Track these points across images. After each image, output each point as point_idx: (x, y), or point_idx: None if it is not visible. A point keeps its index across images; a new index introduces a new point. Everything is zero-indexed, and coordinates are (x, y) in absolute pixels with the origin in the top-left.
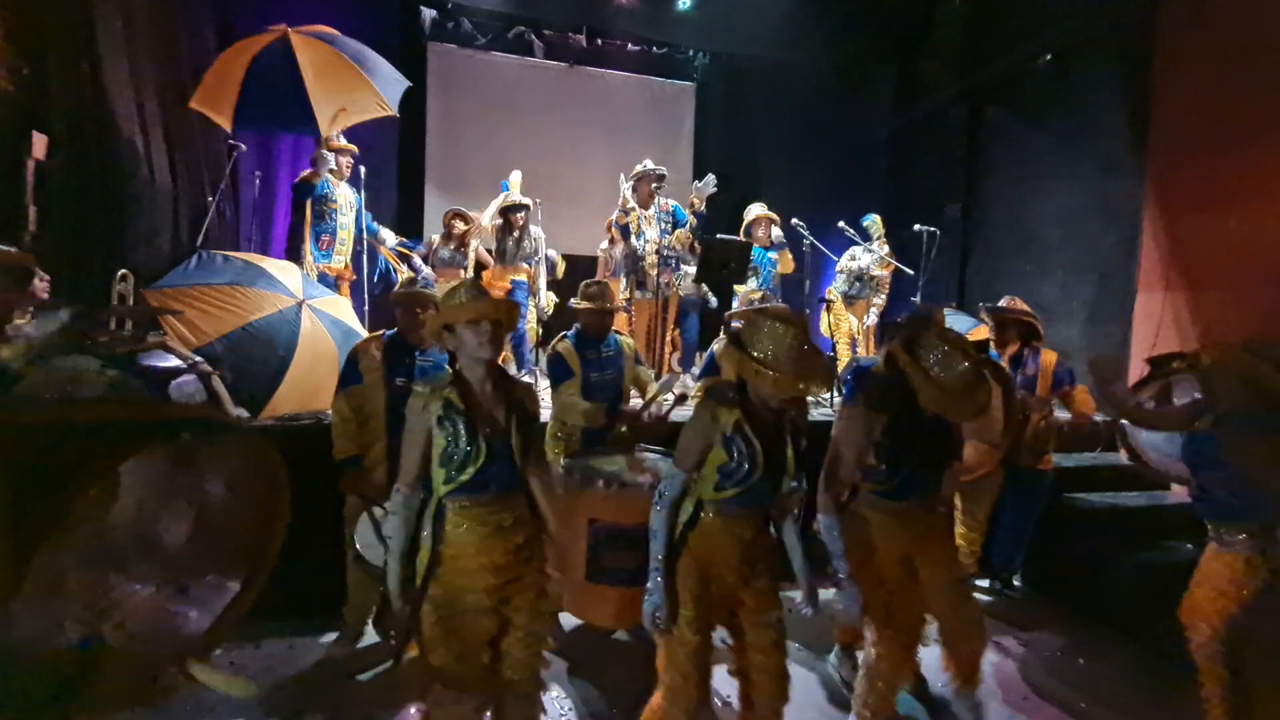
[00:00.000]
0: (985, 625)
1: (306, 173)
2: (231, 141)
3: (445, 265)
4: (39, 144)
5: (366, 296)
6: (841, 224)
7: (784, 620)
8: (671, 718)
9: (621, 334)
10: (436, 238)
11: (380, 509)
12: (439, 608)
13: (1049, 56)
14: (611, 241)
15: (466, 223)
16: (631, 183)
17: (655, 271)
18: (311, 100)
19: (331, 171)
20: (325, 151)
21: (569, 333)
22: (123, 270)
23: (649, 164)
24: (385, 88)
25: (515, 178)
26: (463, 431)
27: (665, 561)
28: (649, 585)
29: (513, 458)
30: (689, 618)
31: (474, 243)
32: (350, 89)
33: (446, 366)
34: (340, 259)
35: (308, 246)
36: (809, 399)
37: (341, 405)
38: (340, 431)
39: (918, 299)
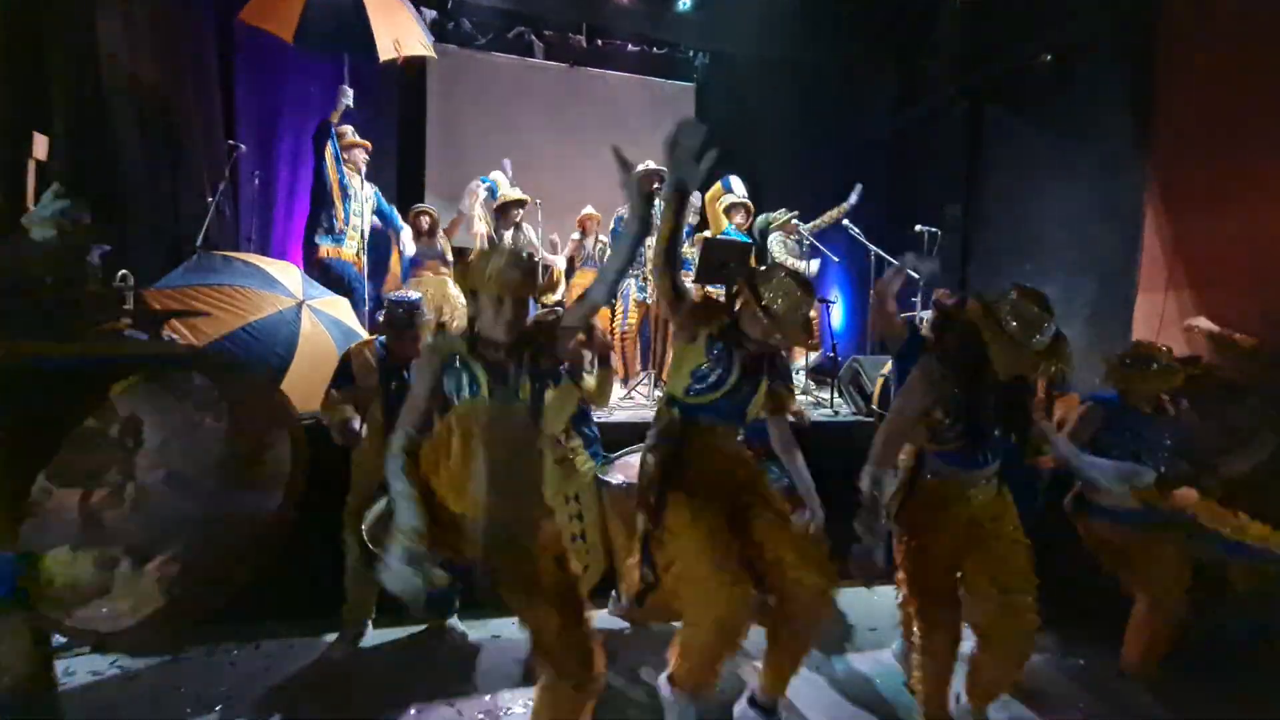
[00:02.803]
0: (1033, 626)
1: (326, 116)
2: (231, 142)
3: (426, 258)
4: (39, 144)
5: (366, 298)
6: (845, 222)
7: (821, 542)
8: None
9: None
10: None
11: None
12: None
13: (1049, 56)
14: (584, 233)
15: (432, 217)
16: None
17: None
18: (372, 23)
19: (348, 163)
20: (346, 87)
21: None
22: (123, 271)
23: (650, 164)
24: (424, 33)
25: (500, 175)
26: (466, 384)
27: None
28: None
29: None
30: (692, 507)
31: (443, 241)
32: (402, 22)
33: None
34: (353, 245)
35: (338, 197)
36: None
37: (334, 403)
38: (335, 405)
39: (918, 299)
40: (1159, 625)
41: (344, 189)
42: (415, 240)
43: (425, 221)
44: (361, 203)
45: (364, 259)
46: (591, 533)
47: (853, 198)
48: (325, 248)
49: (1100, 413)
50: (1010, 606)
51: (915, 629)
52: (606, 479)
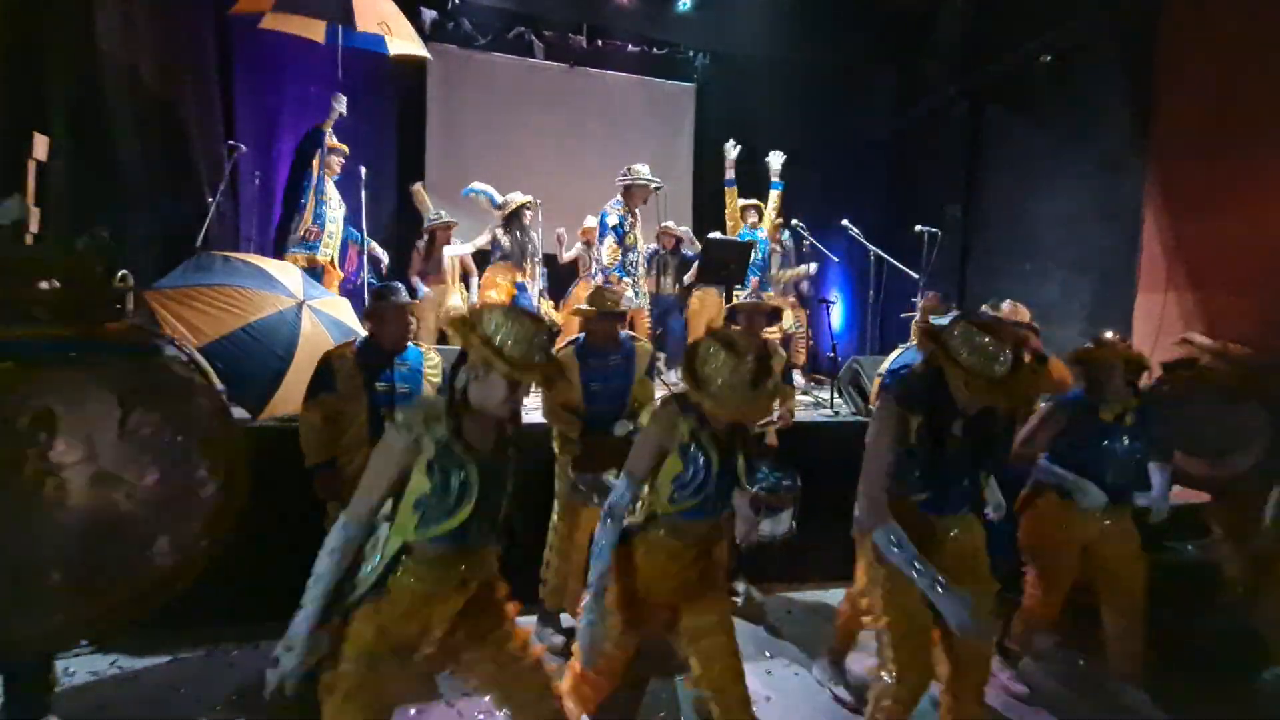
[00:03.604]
0: (991, 659)
1: (318, 124)
2: (231, 142)
3: (430, 274)
4: (40, 144)
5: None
6: (845, 222)
7: (731, 628)
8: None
9: (640, 340)
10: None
11: None
12: (365, 653)
13: (1049, 56)
14: (588, 244)
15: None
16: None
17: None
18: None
19: (328, 169)
20: (340, 95)
21: (576, 338)
22: (122, 271)
23: (646, 172)
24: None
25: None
26: (454, 481)
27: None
28: (587, 605)
29: (498, 513)
30: (615, 626)
31: (448, 250)
32: (393, 13)
33: (423, 380)
34: (327, 253)
35: (310, 206)
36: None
37: (313, 415)
38: (311, 439)
39: (918, 300)
40: (1129, 630)
41: (320, 196)
42: (420, 261)
43: (441, 239)
44: (335, 209)
45: (336, 266)
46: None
47: (812, 267)
48: (299, 255)
49: (1063, 415)
50: (972, 654)
51: (884, 663)
52: (583, 486)
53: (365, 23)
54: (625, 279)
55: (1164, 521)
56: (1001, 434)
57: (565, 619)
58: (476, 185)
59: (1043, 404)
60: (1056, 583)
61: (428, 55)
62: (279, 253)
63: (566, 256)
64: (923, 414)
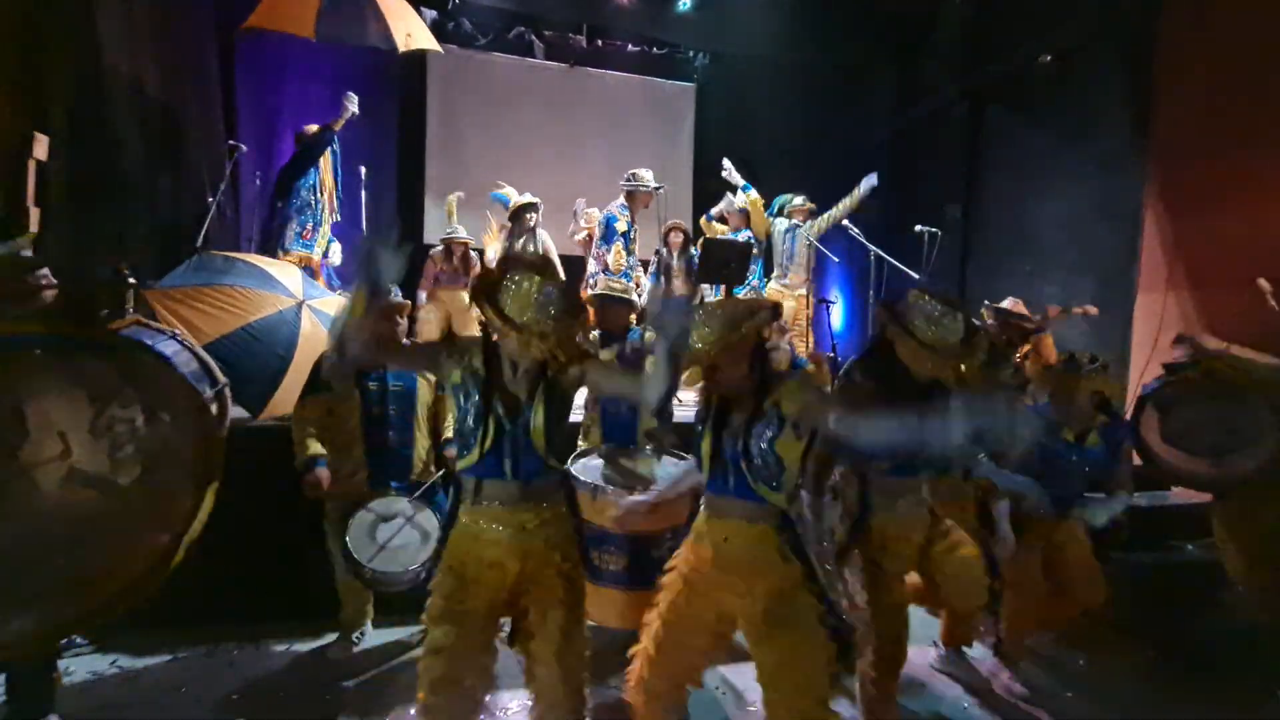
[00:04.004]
0: (984, 585)
1: (329, 123)
2: (232, 142)
3: (448, 281)
4: (40, 144)
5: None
6: (845, 222)
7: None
8: None
9: (650, 331)
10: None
11: (366, 511)
12: (448, 580)
13: (1049, 56)
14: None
15: (467, 249)
16: (626, 190)
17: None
18: (385, 16)
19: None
20: (352, 94)
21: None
22: (124, 271)
23: (649, 178)
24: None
25: (510, 190)
26: (473, 406)
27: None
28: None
29: (535, 444)
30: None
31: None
32: (410, 16)
33: (417, 378)
34: (319, 250)
35: (313, 203)
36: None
37: (307, 412)
38: (303, 437)
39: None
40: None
41: (317, 194)
42: (442, 263)
43: (458, 251)
44: (328, 209)
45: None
46: None
47: (864, 185)
48: (298, 254)
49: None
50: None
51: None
52: (578, 475)
53: (401, 40)
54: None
55: (1164, 522)
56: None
57: None
58: (498, 189)
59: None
60: (1026, 585)
61: (439, 48)
62: (271, 249)
63: (578, 238)
64: (881, 383)
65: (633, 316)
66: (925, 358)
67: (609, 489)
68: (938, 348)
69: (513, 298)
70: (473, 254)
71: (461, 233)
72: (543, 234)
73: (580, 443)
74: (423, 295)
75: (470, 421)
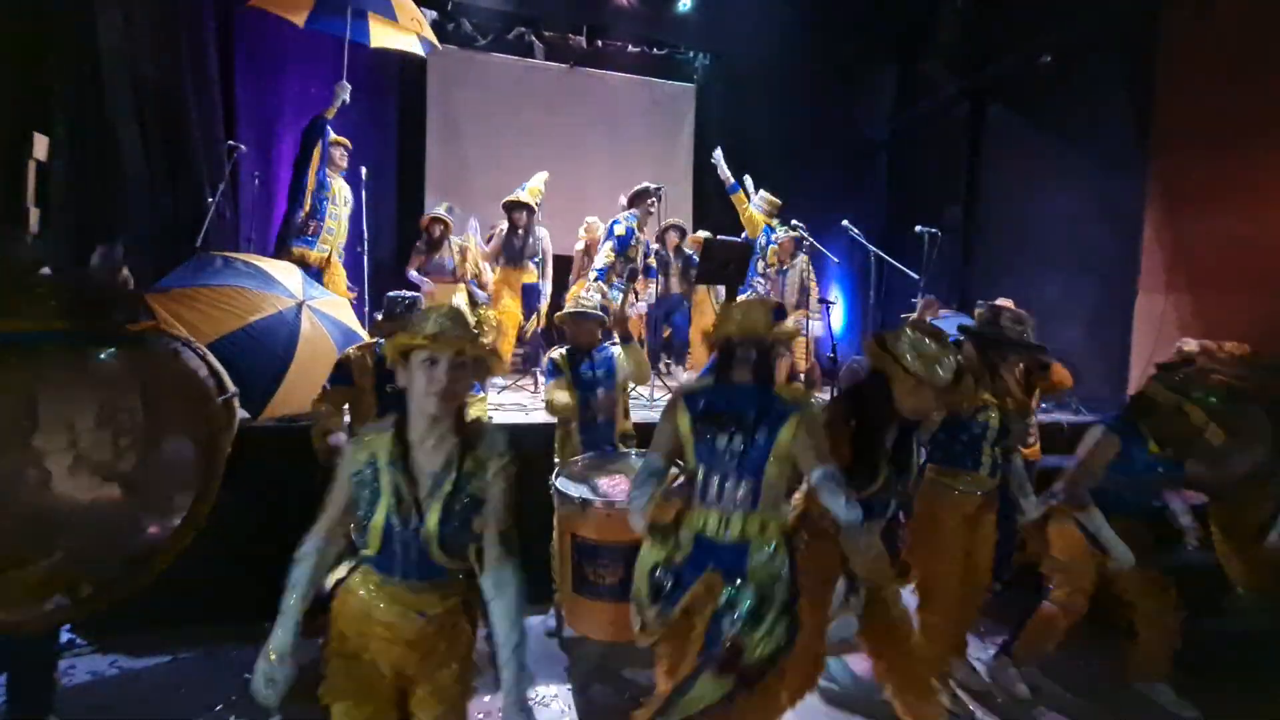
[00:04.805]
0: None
1: (321, 112)
2: (232, 143)
3: (432, 272)
4: (40, 145)
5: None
6: (845, 223)
7: None
8: None
9: (618, 346)
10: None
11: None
12: (342, 646)
13: (1050, 56)
14: (587, 245)
15: (445, 226)
16: (629, 197)
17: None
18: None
19: (330, 164)
20: (345, 82)
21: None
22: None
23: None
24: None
25: (536, 180)
26: (368, 496)
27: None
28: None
29: (426, 545)
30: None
31: (471, 251)
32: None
33: None
34: (325, 248)
35: (310, 197)
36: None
37: (331, 398)
38: (321, 421)
39: (919, 300)
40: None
41: (322, 188)
42: (423, 253)
43: (437, 230)
44: (339, 205)
45: (340, 261)
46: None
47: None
48: (297, 250)
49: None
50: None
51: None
52: (564, 490)
53: (404, 19)
54: (616, 292)
55: (1163, 522)
56: (913, 437)
57: None
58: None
59: (1094, 431)
60: (1081, 586)
61: (421, 52)
62: (281, 246)
63: (578, 249)
64: (865, 414)
65: (600, 332)
66: (922, 394)
67: (597, 500)
68: (935, 383)
69: None
70: (464, 247)
71: (440, 211)
72: (542, 232)
73: (556, 455)
74: (412, 273)
75: (364, 508)
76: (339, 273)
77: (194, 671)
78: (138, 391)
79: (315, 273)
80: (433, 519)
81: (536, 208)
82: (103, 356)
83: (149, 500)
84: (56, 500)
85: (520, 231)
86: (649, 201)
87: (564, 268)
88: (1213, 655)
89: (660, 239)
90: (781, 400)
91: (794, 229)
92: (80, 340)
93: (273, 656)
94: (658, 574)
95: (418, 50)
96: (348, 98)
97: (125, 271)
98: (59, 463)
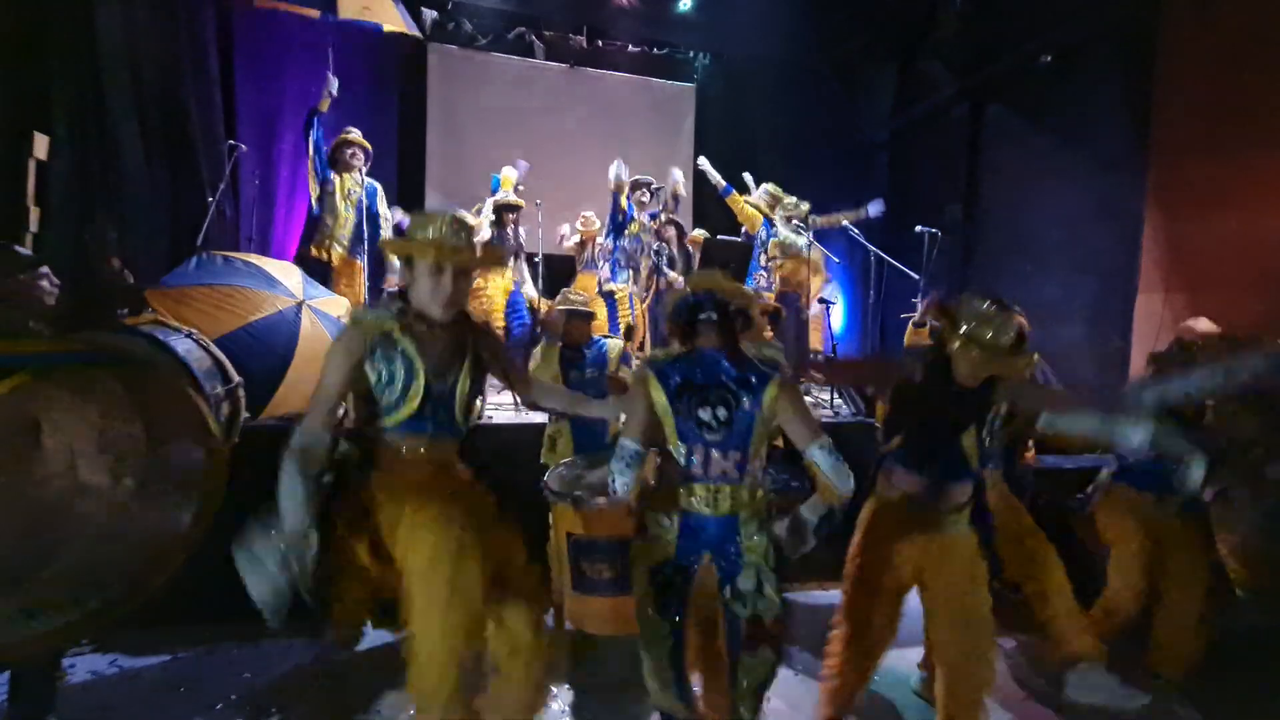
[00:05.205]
0: (994, 664)
1: (313, 107)
2: (232, 142)
3: None
4: (40, 144)
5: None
6: (845, 223)
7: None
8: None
9: (612, 340)
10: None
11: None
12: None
13: (1049, 56)
14: (584, 239)
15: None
16: (628, 184)
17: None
18: None
19: (341, 163)
20: (332, 76)
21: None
22: (123, 269)
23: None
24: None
25: (508, 173)
26: (399, 369)
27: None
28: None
29: (454, 406)
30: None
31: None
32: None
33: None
34: (337, 247)
35: (314, 194)
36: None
37: None
38: None
39: (919, 300)
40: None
41: (325, 184)
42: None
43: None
44: (347, 202)
45: (359, 258)
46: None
47: (871, 209)
48: (311, 248)
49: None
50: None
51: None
52: (556, 489)
53: (346, 7)
54: (620, 275)
55: None
56: (987, 409)
57: None
58: (505, 170)
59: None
60: (1133, 573)
61: (418, 33)
62: (304, 245)
63: (567, 245)
64: (926, 382)
65: (591, 328)
66: (981, 359)
67: (589, 496)
68: (989, 347)
69: None
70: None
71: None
72: (521, 232)
73: (546, 456)
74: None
75: (398, 376)
76: (353, 271)
77: (194, 671)
78: (139, 413)
79: (325, 271)
80: (465, 383)
81: (536, 205)
82: (104, 376)
83: (144, 529)
84: (53, 523)
85: (510, 229)
86: (639, 193)
87: (564, 267)
88: (1212, 655)
89: (658, 235)
90: (754, 363)
91: (798, 230)
92: (82, 360)
93: (298, 536)
94: (658, 576)
95: (399, 23)
96: (335, 91)
97: (117, 263)
98: (58, 485)
